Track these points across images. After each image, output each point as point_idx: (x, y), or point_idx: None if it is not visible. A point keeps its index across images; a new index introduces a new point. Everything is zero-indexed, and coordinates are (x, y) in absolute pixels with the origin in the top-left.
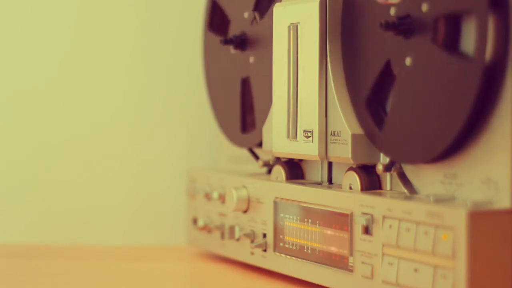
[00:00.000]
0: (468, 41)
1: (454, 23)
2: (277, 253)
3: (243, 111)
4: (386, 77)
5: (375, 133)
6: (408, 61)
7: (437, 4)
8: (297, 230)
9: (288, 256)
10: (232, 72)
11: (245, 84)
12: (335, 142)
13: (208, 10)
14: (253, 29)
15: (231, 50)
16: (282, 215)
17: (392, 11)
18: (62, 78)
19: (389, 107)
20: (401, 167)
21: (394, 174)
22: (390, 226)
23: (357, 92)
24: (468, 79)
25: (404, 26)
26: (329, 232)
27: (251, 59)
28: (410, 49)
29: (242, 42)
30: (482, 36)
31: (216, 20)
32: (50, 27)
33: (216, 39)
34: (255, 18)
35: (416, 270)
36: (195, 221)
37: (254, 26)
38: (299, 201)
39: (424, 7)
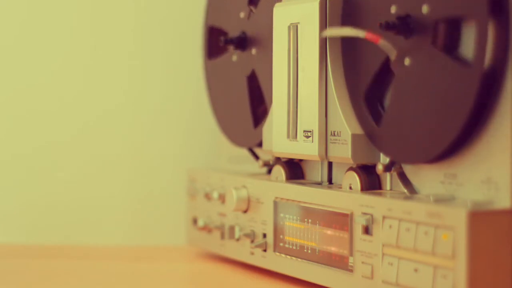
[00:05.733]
0: (468, 45)
1: (454, 27)
2: (277, 253)
3: (252, 106)
4: (385, 76)
5: (375, 133)
6: (407, 61)
7: (438, 7)
8: (297, 230)
9: (288, 256)
10: (235, 74)
11: (251, 79)
12: (335, 142)
13: (206, 37)
14: (251, 23)
15: (233, 57)
16: (282, 215)
17: (393, 10)
18: (62, 77)
19: (389, 106)
20: (401, 167)
21: (394, 174)
22: (390, 226)
23: (356, 91)
24: (468, 81)
25: (404, 26)
26: (329, 232)
27: (253, 51)
28: (409, 49)
29: (242, 41)
30: (481, 41)
31: (216, 45)
32: (51, 28)
33: (218, 61)
34: (251, 11)
35: (416, 270)
36: (195, 221)
37: (251, 20)
38: (299, 201)
39: (425, 9)
